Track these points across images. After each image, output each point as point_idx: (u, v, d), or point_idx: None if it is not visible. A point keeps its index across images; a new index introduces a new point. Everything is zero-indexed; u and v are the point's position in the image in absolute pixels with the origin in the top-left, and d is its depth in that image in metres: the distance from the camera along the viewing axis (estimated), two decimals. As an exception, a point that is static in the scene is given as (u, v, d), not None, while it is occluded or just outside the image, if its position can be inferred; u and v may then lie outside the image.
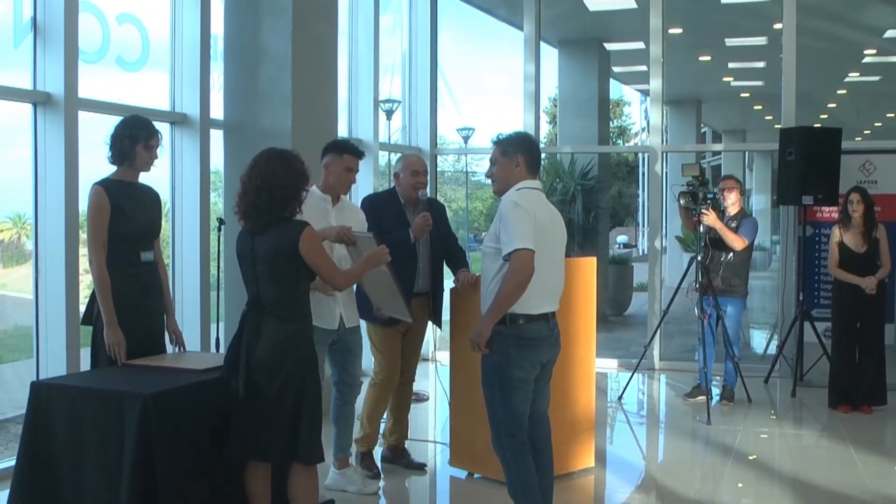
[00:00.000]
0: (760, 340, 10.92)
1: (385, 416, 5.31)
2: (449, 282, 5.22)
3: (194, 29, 5.95)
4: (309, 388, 3.71)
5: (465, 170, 17.37)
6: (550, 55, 12.64)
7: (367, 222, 4.82)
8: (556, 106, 15.11)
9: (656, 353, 8.44)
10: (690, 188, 6.95)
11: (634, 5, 10.06)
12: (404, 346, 5.19)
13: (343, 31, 7.55)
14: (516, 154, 4.00)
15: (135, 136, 4.13)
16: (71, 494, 3.62)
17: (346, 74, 7.90)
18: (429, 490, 5.28)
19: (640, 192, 21.93)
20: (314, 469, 3.82)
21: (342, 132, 7.25)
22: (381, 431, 5.30)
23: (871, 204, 6.77)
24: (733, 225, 7.00)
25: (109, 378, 3.86)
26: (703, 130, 19.86)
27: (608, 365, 8.55)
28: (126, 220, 4.10)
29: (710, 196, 6.90)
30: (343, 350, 4.74)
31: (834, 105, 16.72)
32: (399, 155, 6.58)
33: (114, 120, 4.27)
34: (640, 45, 10.65)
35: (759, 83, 15.55)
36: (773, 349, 8.52)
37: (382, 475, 5.17)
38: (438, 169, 9.53)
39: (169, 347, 4.40)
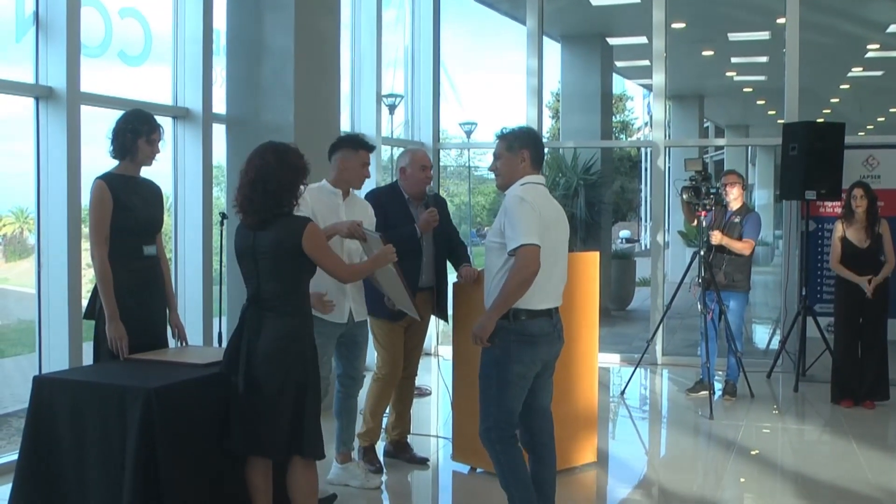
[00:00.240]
0: (763, 335, 10.89)
1: (388, 410, 5.31)
2: (452, 276, 5.22)
3: (197, 23, 5.96)
4: (310, 382, 3.72)
5: (467, 164, 17.34)
6: (553, 50, 12.63)
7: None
8: (558, 101, 15.07)
9: (659, 347, 8.44)
10: (693, 183, 6.93)
11: (637, 0, 10.04)
12: (407, 341, 5.19)
13: (346, 26, 7.53)
14: (521, 149, 3.98)
15: (137, 131, 4.12)
16: (73, 488, 3.62)
17: (349, 69, 7.89)
18: (431, 485, 5.29)
19: (643, 186, 21.92)
20: (313, 463, 3.82)
21: (345, 127, 7.24)
22: (383, 426, 5.30)
23: (874, 199, 6.76)
24: (736, 220, 7.00)
25: (112, 372, 3.85)
26: (705, 125, 19.83)
27: (611, 360, 8.54)
28: (128, 215, 4.09)
29: (712, 191, 6.88)
30: (349, 343, 4.75)
31: (837, 100, 16.67)
32: (402, 149, 6.58)
33: (116, 114, 4.26)
34: (642, 39, 10.64)
35: (763, 78, 15.51)
36: (775, 344, 8.51)
37: (385, 470, 5.18)
38: (441, 163, 9.53)
39: (171, 342, 4.39)
